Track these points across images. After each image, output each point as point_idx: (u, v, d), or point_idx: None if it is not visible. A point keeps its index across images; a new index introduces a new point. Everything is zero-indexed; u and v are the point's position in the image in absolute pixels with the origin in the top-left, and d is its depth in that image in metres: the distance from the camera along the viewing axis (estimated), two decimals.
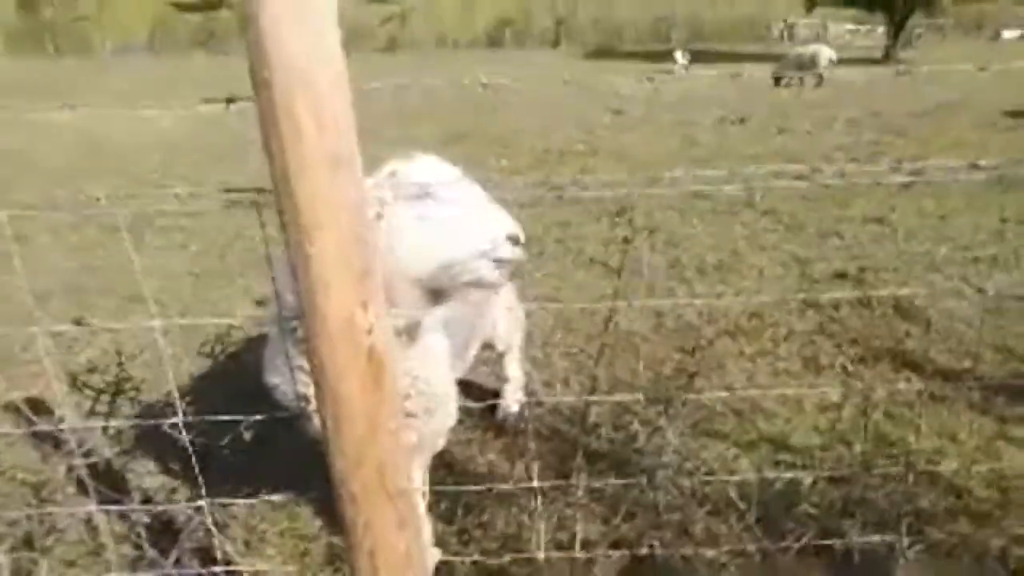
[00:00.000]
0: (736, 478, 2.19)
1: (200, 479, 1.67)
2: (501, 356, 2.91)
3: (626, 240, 2.74)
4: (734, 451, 2.67)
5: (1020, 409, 2.86)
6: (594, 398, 2.56)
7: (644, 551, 1.96)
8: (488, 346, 2.71)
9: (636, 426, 1.90)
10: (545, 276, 4.67)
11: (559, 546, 2.07)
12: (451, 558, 2.15)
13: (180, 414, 1.39)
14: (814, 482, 2.45)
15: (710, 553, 2.05)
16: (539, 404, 2.79)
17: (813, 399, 3.03)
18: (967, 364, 3.33)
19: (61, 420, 2.40)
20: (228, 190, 1.42)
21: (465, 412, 2.65)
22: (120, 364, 2.31)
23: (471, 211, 1.61)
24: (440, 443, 2.19)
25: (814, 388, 3.15)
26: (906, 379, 3.21)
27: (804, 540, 2.04)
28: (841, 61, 18.41)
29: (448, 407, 2.14)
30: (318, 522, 2.38)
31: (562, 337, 3.67)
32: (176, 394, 1.62)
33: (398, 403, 1.32)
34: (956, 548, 2.13)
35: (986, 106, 11.65)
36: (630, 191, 1.32)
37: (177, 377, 2.64)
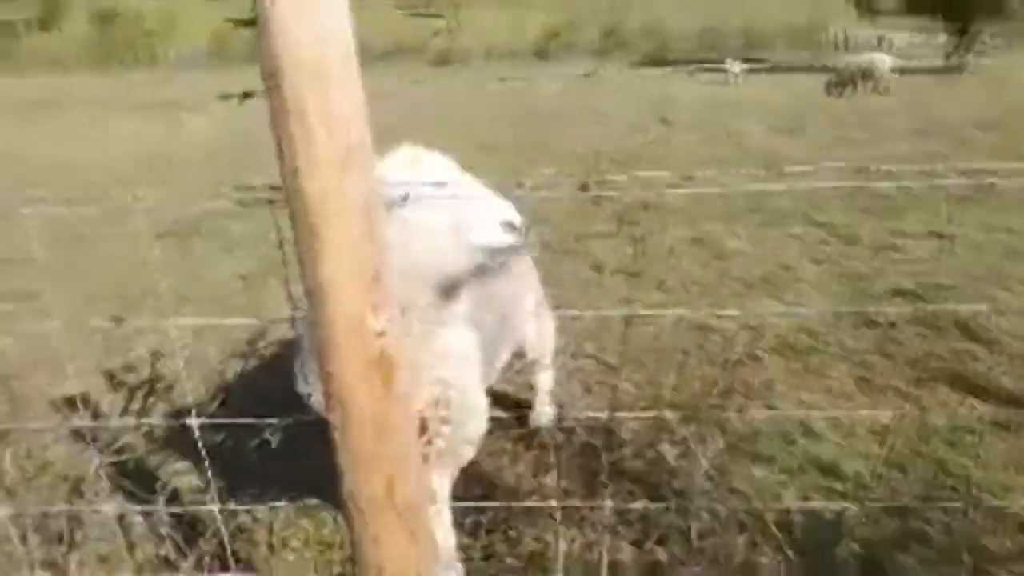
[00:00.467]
0: (779, 506, 2.04)
1: (224, 482, 1.65)
2: (532, 364, 2.83)
3: (636, 241, 2.59)
4: (778, 476, 2.52)
5: None
6: (626, 414, 2.45)
7: None
8: (519, 354, 2.63)
9: (666, 446, 1.78)
10: (578, 284, 4.57)
11: (586, 569, 1.97)
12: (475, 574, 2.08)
13: (193, 416, 1.35)
14: (865, 513, 2.29)
15: None
16: (574, 421, 2.69)
17: (866, 422, 2.85)
18: None
19: (97, 417, 2.43)
20: (240, 188, 1.40)
21: (495, 422, 2.58)
22: (154, 364, 2.31)
23: (469, 201, 1.56)
24: (470, 453, 2.11)
25: (867, 410, 2.97)
26: (968, 404, 2.99)
27: None
28: (901, 69, 17.77)
29: (479, 415, 2.07)
30: (343, 531, 2.33)
31: (596, 349, 3.56)
32: (205, 394, 1.59)
33: (410, 412, 1.25)
34: None
35: None
36: (659, 192, 1.23)
37: (211, 378, 2.64)
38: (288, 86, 1.04)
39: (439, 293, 1.53)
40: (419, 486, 1.28)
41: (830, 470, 2.58)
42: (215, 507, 1.45)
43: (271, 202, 1.28)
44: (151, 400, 2.33)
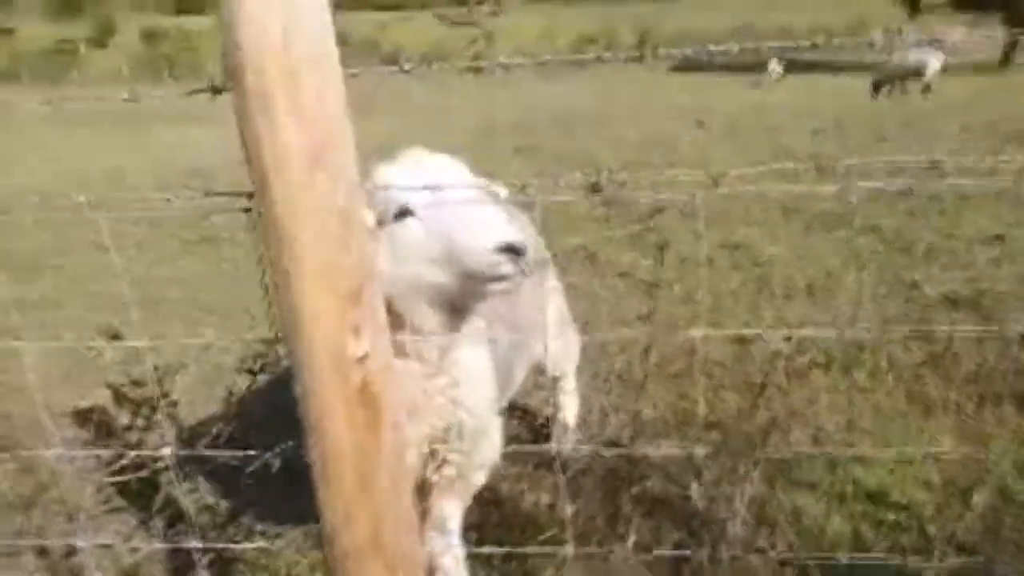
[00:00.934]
0: (824, 555, 1.82)
1: (225, 506, 1.53)
2: (554, 382, 2.66)
3: (660, 249, 2.40)
4: (824, 504, 2.30)
5: None
6: (651, 450, 2.27)
7: None
8: (539, 372, 2.47)
9: (695, 485, 1.60)
10: (605, 294, 4.39)
11: None
12: None
13: (169, 450, 1.23)
14: (923, 549, 2.07)
15: None
16: (597, 445, 2.52)
17: (921, 445, 2.61)
18: None
19: (99, 435, 2.36)
20: (212, 193, 1.28)
21: (512, 440, 2.42)
22: (159, 380, 2.22)
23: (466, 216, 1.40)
24: (482, 480, 1.96)
25: (923, 432, 2.72)
26: None
27: None
28: (951, 68, 17.08)
29: (491, 438, 1.92)
30: None
31: (623, 364, 3.37)
32: (214, 411, 1.47)
33: (400, 448, 1.10)
34: None
35: None
36: (692, 194, 1.07)
37: (220, 393, 2.54)
38: (251, 68, 0.91)
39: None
40: (412, 533, 1.13)
41: (882, 499, 2.36)
42: (196, 544, 1.33)
43: (247, 210, 1.15)
44: (155, 418, 2.24)
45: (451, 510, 1.91)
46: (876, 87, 16.41)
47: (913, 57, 16.79)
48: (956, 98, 13.64)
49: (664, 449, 2.36)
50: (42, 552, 2.01)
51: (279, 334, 1.18)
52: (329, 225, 0.97)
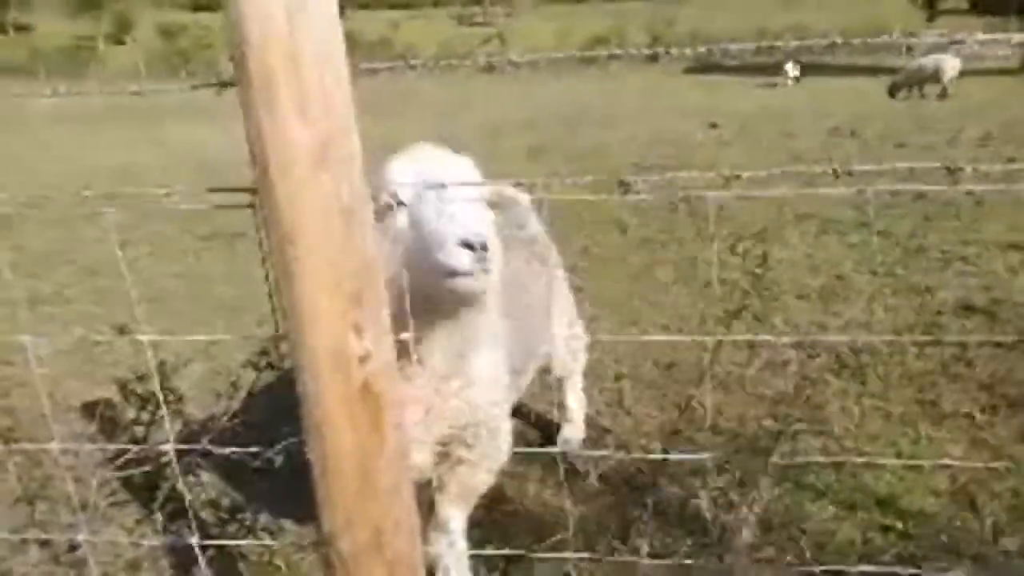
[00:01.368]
0: (839, 567, 1.79)
1: (230, 501, 1.53)
2: (560, 383, 2.64)
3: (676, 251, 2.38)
4: (832, 510, 2.27)
5: None
6: (659, 456, 2.24)
7: None
8: (546, 371, 2.46)
9: (705, 498, 1.58)
10: (614, 297, 4.36)
11: None
12: None
13: (172, 446, 1.22)
14: (932, 557, 2.04)
15: None
16: (604, 448, 2.49)
17: (932, 453, 2.58)
18: None
19: (105, 430, 2.36)
20: (215, 189, 1.28)
21: (521, 443, 2.41)
22: (164, 375, 2.22)
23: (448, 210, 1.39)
24: (490, 480, 1.95)
25: (934, 440, 2.68)
26: None
27: None
28: (969, 72, 16.91)
29: (501, 439, 1.91)
30: None
31: (633, 367, 3.34)
32: (220, 405, 1.46)
33: (402, 449, 1.09)
34: None
35: None
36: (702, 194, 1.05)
37: (228, 389, 2.54)
38: (255, 61, 0.90)
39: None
40: (413, 536, 1.12)
41: (892, 506, 2.32)
42: (195, 541, 1.32)
43: (251, 206, 1.14)
44: (160, 413, 2.24)
45: (455, 510, 1.90)
46: (893, 90, 16.27)
47: (930, 61, 16.64)
48: (974, 103, 13.48)
49: (673, 455, 2.33)
50: (46, 545, 2.02)
51: (279, 332, 1.18)
52: (333, 224, 0.96)
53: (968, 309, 3.87)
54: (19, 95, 24.58)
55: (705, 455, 1.51)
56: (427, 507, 1.83)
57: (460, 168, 1.54)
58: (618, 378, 3.20)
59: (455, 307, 1.51)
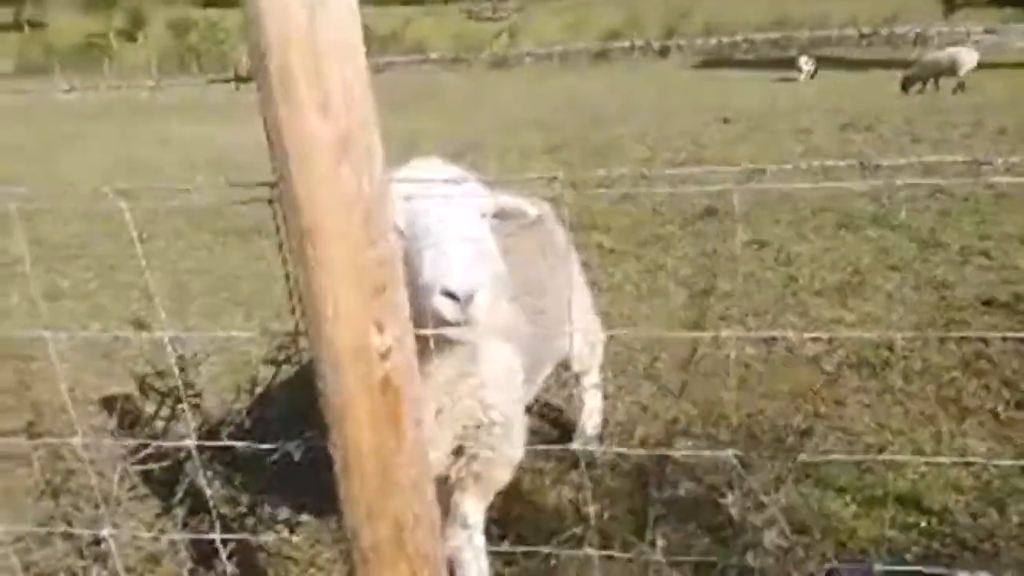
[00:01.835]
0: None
1: (249, 496, 1.53)
2: (577, 378, 2.63)
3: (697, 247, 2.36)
4: (853, 508, 2.25)
5: None
6: (677, 452, 2.22)
7: None
8: (563, 367, 2.45)
9: (731, 496, 1.56)
10: (632, 291, 4.34)
11: None
12: None
13: (192, 440, 1.22)
14: (956, 555, 2.01)
15: None
16: (623, 445, 2.48)
17: (954, 450, 2.54)
18: None
19: (132, 422, 2.38)
20: (235, 184, 1.28)
21: (537, 439, 2.40)
22: (182, 369, 2.23)
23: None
24: (506, 476, 1.94)
25: (956, 437, 2.65)
26: None
27: None
28: (987, 66, 16.65)
29: (516, 435, 1.91)
30: None
31: (649, 363, 3.32)
32: (239, 400, 1.46)
33: (422, 446, 1.09)
34: None
35: None
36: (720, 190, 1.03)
37: (245, 384, 2.55)
38: (275, 56, 0.89)
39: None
40: (434, 531, 1.11)
41: (913, 503, 2.29)
42: (217, 535, 1.32)
43: (271, 201, 1.14)
44: (179, 408, 2.26)
45: (473, 506, 1.90)
46: (906, 84, 16.03)
47: (946, 54, 16.40)
48: (992, 97, 13.28)
49: (696, 451, 2.32)
50: (70, 538, 2.03)
51: (299, 327, 1.17)
52: (353, 217, 0.95)
53: (989, 304, 3.81)
54: (35, 91, 24.85)
55: (730, 452, 1.50)
56: (445, 503, 1.83)
57: (464, 187, 1.51)
58: (634, 374, 3.19)
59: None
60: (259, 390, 2.49)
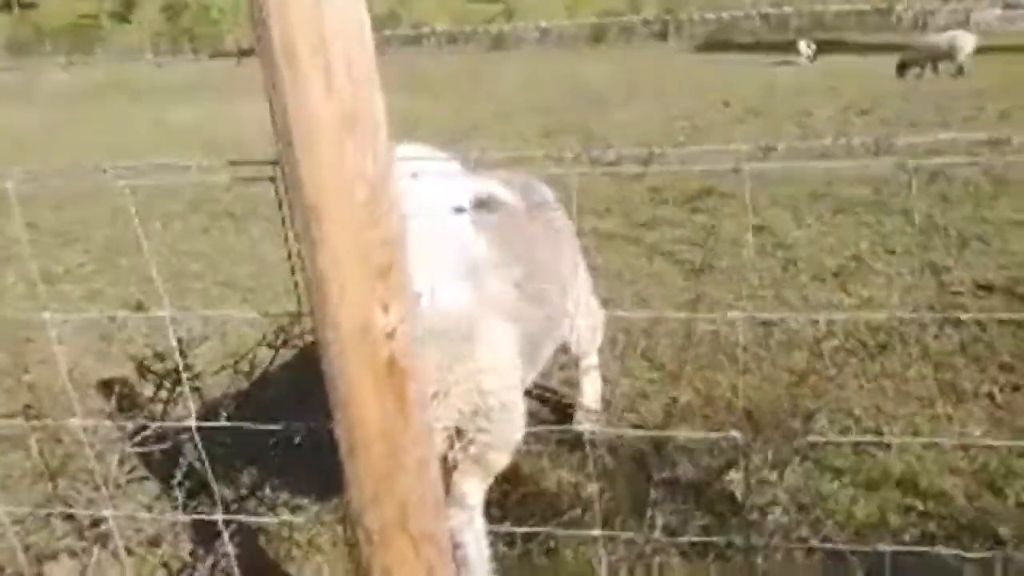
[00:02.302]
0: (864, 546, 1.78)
1: (249, 479, 1.53)
2: (577, 361, 2.63)
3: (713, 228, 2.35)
4: (851, 491, 2.26)
5: None
6: (682, 433, 2.22)
7: None
8: (563, 350, 2.44)
9: (734, 475, 1.56)
10: (630, 274, 4.34)
11: None
12: None
13: (192, 422, 1.22)
14: (954, 535, 2.03)
15: None
16: (622, 426, 2.48)
17: (952, 433, 2.56)
18: None
19: (123, 408, 2.37)
20: (236, 163, 1.25)
21: (536, 421, 2.40)
22: (182, 352, 2.22)
23: None
24: (505, 460, 1.95)
25: (953, 419, 2.66)
26: None
27: None
28: (986, 49, 16.55)
29: (517, 419, 1.91)
30: None
31: (648, 345, 3.32)
32: (234, 384, 1.46)
33: (427, 426, 1.08)
34: None
35: None
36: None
37: (243, 367, 2.54)
38: (278, 29, 0.87)
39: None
40: (439, 513, 1.11)
41: (911, 486, 2.31)
42: (219, 517, 1.32)
43: (272, 179, 1.12)
44: (178, 390, 2.25)
45: (472, 487, 1.90)
46: (902, 68, 15.87)
47: (945, 37, 16.27)
48: (990, 80, 13.22)
49: (703, 433, 2.32)
50: (70, 519, 2.03)
51: (302, 308, 1.16)
52: (358, 196, 0.94)
53: (986, 288, 3.82)
54: (25, 70, 24.56)
55: (736, 433, 1.50)
56: (445, 484, 1.83)
57: (443, 174, 1.49)
58: (633, 356, 3.19)
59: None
60: (258, 373, 2.49)
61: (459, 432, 1.81)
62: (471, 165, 1.57)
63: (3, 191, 1.30)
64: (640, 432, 2.36)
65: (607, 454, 2.40)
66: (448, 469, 1.84)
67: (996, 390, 2.84)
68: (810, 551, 1.68)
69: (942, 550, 1.76)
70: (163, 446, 1.96)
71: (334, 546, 2.18)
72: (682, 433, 2.33)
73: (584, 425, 2.59)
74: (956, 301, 3.69)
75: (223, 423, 1.75)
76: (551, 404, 2.89)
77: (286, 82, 0.90)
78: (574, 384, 2.74)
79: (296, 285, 1.21)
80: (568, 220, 2.43)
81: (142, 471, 2.31)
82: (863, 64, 19.21)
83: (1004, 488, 2.25)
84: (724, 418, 2.56)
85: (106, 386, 2.65)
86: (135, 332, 3.49)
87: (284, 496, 2.27)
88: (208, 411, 2.42)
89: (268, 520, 2.06)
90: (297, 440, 1.86)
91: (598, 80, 16.61)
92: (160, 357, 2.32)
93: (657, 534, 1.55)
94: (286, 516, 2.11)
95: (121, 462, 1.97)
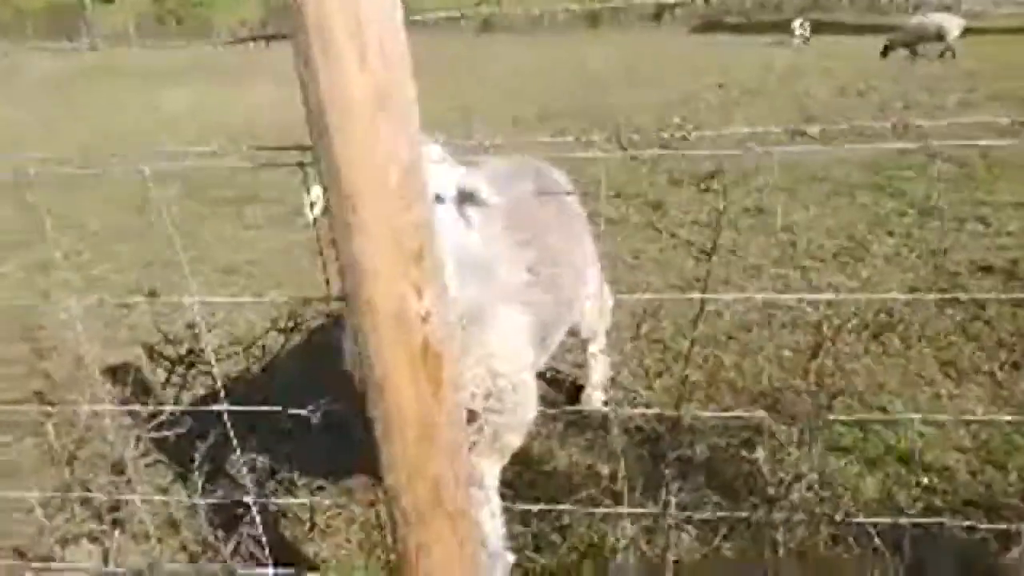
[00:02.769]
0: (884, 519, 1.82)
1: (265, 461, 1.54)
2: (585, 344, 2.65)
3: (719, 213, 2.37)
4: (857, 467, 2.30)
5: None
6: (706, 413, 2.24)
7: None
8: (572, 333, 2.46)
9: (760, 452, 1.59)
10: (635, 257, 4.36)
11: (648, 568, 1.81)
12: (525, 564, 1.95)
13: (223, 401, 1.23)
14: (957, 511, 2.07)
15: None
16: (631, 407, 2.51)
17: (953, 410, 2.60)
18: None
19: (137, 392, 2.38)
20: (266, 148, 1.26)
21: (546, 403, 2.43)
22: (195, 336, 2.23)
23: None
24: (518, 441, 1.97)
25: (955, 397, 2.71)
26: None
27: None
28: (975, 31, 16.52)
29: (529, 402, 1.93)
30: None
31: (653, 326, 3.35)
32: (246, 367, 1.47)
33: (459, 408, 1.10)
34: None
35: None
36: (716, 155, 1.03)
37: (253, 351, 2.55)
38: (314, 16, 0.87)
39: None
40: (469, 491, 1.13)
41: (913, 462, 2.35)
42: (249, 499, 1.34)
43: (301, 164, 1.13)
44: (191, 374, 2.26)
45: (487, 467, 1.92)
46: (887, 49, 15.79)
47: (932, 19, 16.20)
48: (979, 62, 13.22)
49: (730, 413, 2.35)
50: (86, 503, 2.05)
51: (329, 292, 1.17)
52: (391, 178, 0.94)
53: (985, 269, 3.87)
54: (9, 55, 24.17)
55: (761, 413, 1.53)
56: None
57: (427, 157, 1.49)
58: (640, 337, 3.22)
59: None
60: (269, 357, 2.49)
61: (473, 414, 1.83)
62: (488, 151, 1.57)
63: (9, 180, 1.29)
64: (666, 412, 2.39)
65: (619, 434, 2.43)
66: None
67: (996, 368, 2.89)
68: (830, 523, 1.71)
69: (957, 524, 1.80)
70: (180, 430, 1.97)
71: (350, 526, 2.21)
72: (707, 413, 2.36)
73: (599, 405, 2.61)
74: (955, 282, 3.73)
75: (238, 407, 1.76)
76: (560, 385, 2.92)
77: (319, 61, 0.90)
78: (582, 365, 2.77)
79: (323, 268, 1.22)
80: (581, 204, 2.44)
81: (156, 455, 2.32)
82: (856, 44, 19.14)
83: (1006, 463, 2.30)
84: (729, 398, 2.60)
85: (118, 371, 2.65)
86: (141, 318, 3.48)
87: (302, 478, 2.29)
88: (223, 395, 2.44)
89: (295, 501, 2.08)
90: (314, 422, 1.88)
91: (591, 63, 16.50)
92: (171, 342, 2.32)
93: (672, 510, 1.58)
94: (306, 499, 2.13)
95: (136, 447, 1.98)
